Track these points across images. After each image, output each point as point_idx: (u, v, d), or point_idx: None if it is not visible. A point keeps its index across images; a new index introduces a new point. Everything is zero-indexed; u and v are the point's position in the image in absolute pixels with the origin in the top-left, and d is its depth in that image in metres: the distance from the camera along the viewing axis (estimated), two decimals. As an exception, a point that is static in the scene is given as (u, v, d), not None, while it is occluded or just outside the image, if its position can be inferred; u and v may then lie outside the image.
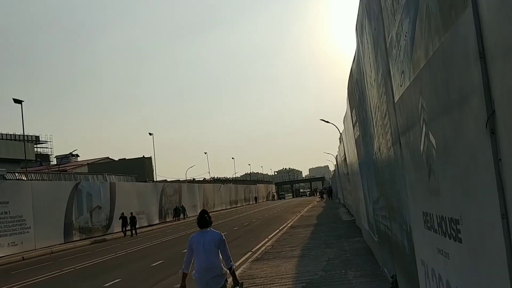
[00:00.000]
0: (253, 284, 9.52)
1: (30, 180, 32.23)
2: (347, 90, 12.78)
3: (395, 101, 4.53)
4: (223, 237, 6.14)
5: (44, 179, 34.68)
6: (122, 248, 23.35)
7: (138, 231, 37.11)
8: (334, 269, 10.36)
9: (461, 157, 2.65)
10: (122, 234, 32.63)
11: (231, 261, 6.08)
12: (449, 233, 3.05)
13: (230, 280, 6.23)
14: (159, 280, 12.49)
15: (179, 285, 6.23)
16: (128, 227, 33.04)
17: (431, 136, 3.25)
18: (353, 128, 11.96)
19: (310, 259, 12.27)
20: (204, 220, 6.14)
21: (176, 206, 50.45)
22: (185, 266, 6.08)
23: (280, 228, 24.28)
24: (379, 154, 6.77)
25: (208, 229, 6.12)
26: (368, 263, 10.42)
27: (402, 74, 4.00)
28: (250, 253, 15.22)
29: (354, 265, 10.48)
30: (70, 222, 31.58)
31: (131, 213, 33.88)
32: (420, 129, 3.53)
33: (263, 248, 16.00)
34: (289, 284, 9.28)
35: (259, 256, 13.76)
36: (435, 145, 3.17)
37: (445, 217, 3.10)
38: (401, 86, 4.16)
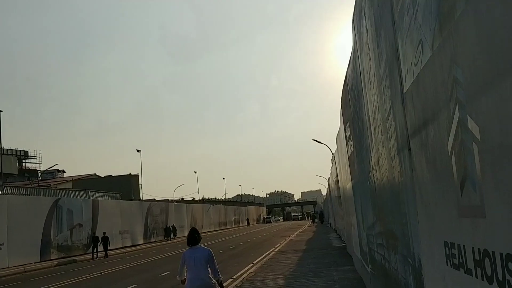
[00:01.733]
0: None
1: (5, 194, 30.71)
2: (340, 104, 11.68)
3: (405, 91, 3.39)
4: (212, 252, 6.85)
5: (22, 194, 33.05)
6: (97, 269, 21.84)
7: (120, 250, 35.57)
8: (322, 303, 9.07)
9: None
10: (103, 253, 30.76)
11: (218, 274, 6.78)
12: (500, 278, 1.86)
13: None
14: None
15: None
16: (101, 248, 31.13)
17: (470, 124, 2.08)
18: (347, 144, 10.81)
19: (295, 290, 10.98)
20: (193, 238, 6.86)
21: (166, 226, 49.08)
22: (180, 274, 6.88)
23: (266, 253, 22.89)
24: (378, 168, 5.58)
25: (198, 245, 6.86)
26: (360, 297, 9.14)
27: (419, 45, 2.86)
28: (231, 279, 13.87)
29: (344, 300, 9.19)
30: (48, 239, 30.01)
31: (104, 233, 31.95)
32: (450, 116, 2.36)
33: (245, 275, 14.66)
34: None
35: (239, 285, 12.43)
36: (478, 137, 2.00)
37: (495, 253, 1.92)
38: (416, 64, 3.01)
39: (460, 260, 2.36)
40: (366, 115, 6.12)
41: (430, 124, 2.81)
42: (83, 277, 18.54)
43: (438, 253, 2.82)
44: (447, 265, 2.62)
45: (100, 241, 30.81)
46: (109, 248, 31.47)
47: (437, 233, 2.86)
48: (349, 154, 10.56)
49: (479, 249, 2.09)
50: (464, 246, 2.31)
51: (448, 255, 2.60)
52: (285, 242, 31.09)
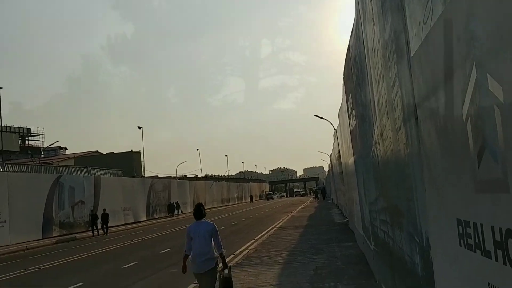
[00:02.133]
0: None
1: (6, 171, 30.57)
2: (343, 77, 11.33)
3: (412, 54, 3.07)
4: (216, 227, 7.09)
5: (23, 171, 32.91)
6: (98, 246, 21.80)
7: (123, 227, 35.62)
8: (322, 280, 8.88)
9: None
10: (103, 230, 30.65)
11: (221, 248, 7.03)
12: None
13: (220, 264, 7.21)
14: (126, 285, 11.01)
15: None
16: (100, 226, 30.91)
17: (491, 84, 1.78)
18: (349, 119, 10.49)
19: (295, 267, 10.79)
20: (199, 212, 7.08)
21: (170, 202, 49.13)
22: (187, 250, 7.02)
23: (268, 229, 22.77)
24: (381, 141, 5.29)
25: (203, 220, 7.08)
26: (362, 274, 8.95)
27: (429, 0, 2.54)
28: (232, 256, 13.72)
29: (346, 276, 9.01)
30: (50, 217, 29.99)
31: (104, 210, 31.72)
32: (465, 77, 2.06)
33: (246, 251, 14.51)
34: (267, 299, 7.81)
35: (240, 261, 12.27)
36: (501, 98, 1.71)
37: (521, 234, 1.64)
38: (425, 23, 2.69)
39: (477, 241, 2.09)
40: (369, 85, 5.80)
41: (441, 88, 2.51)
42: (84, 254, 18.47)
43: (450, 232, 2.54)
44: (460, 245, 2.35)
45: (100, 218, 30.56)
46: (109, 225, 31.35)
47: (449, 210, 2.58)
48: (351, 128, 10.26)
49: (500, 229, 1.81)
50: (481, 225, 2.03)
51: (461, 235, 2.33)
52: (287, 218, 31.01)
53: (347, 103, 10.84)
